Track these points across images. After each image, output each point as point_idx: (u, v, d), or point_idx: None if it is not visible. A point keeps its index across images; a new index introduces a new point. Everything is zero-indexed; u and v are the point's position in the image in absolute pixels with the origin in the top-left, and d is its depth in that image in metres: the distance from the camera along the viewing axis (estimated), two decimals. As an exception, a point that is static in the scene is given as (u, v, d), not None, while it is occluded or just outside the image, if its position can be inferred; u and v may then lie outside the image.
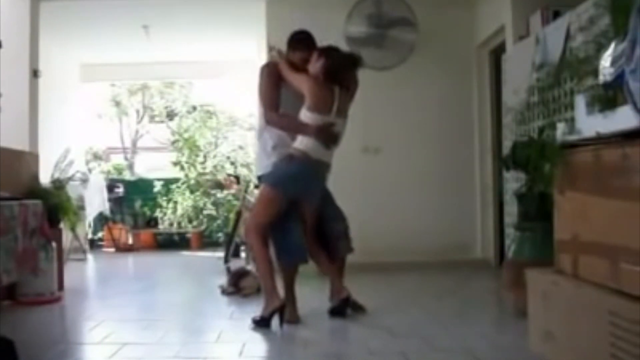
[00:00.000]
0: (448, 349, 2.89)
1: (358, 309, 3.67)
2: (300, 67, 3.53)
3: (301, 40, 3.62)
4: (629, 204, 2.07)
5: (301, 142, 3.45)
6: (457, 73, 6.03)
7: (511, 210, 4.44)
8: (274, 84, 3.59)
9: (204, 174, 9.59)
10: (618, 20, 2.27)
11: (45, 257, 4.00)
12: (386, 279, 5.08)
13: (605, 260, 2.24)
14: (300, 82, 3.48)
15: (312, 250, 3.65)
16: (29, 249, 3.49)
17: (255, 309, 3.53)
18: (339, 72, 3.48)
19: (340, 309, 3.59)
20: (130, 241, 8.75)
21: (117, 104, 14.77)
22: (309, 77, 3.47)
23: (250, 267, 5.30)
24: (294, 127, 3.50)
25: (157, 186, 9.38)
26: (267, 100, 3.59)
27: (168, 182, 9.44)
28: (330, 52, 3.51)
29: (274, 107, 3.57)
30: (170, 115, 14.49)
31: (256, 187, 6.54)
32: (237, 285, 4.46)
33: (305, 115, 3.43)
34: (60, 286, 4.59)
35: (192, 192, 9.32)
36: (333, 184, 3.79)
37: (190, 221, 9.17)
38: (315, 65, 3.47)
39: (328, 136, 3.44)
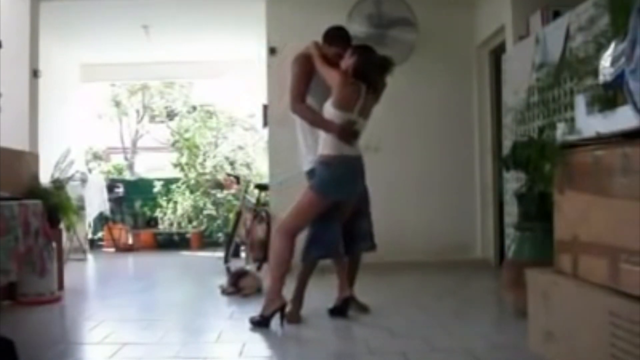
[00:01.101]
0: (448, 349, 2.89)
1: (361, 308, 3.68)
2: (333, 62, 3.53)
3: (337, 36, 3.64)
4: (629, 204, 2.07)
5: (327, 147, 3.43)
6: (457, 73, 6.03)
7: (511, 210, 4.44)
8: (305, 75, 3.60)
9: (203, 174, 9.59)
10: (618, 20, 2.27)
11: (47, 257, 4.00)
12: (386, 279, 5.08)
13: (605, 261, 2.24)
14: (330, 76, 3.48)
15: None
16: (35, 249, 3.50)
17: (255, 309, 3.52)
18: (369, 72, 3.48)
19: (341, 309, 3.59)
20: (130, 241, 8.75)
21: (117, 104, 14.77)
22: (340, 71, 3.47)
23: (250, 267, 5.31)
24: (318, 122, 3.50)
25: (157, 186, 9.38)
26: (295, 90, 3.59)
27: (168, 182, 9.45)
28: (363, 52, 3.52)
29: (301, 97, 3.57)
30: (170, 115, 14.49)
31: (259, 187, 6.55)
32: (237, 285, 4.46)
33: (329, 110, 3.44)
34: (60, 286, 4.59)
35: (192, 192, 9.33)
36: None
37: (190, 221, 9.17)
38: (347, 61, 3.47)
39: (350, 135, 3.44)
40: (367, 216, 3.76)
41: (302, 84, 3.59)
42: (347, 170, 3.48)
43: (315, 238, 3.51)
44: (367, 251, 3.77)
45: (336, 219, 3.54)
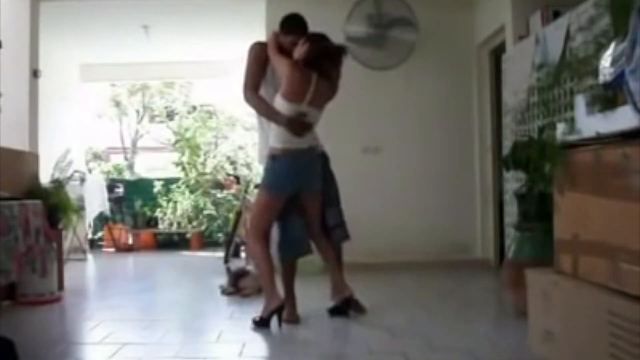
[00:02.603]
0: (448, 349, 2.89)
1: (359, 309, 3.67)
2: (289, 51, 3.48)
3: (292, 24, 3.57)
4: (629, 204, 2.07)
5: (275, 139, 3.41)
6: (457, 73, 6.03)
7: (511, 210, 4.44)
8: (259, 64, 3.56)
9: (204, 174, 9.59)
10: (618, 20, 2.27)
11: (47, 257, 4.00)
12: (386, 279, 5.08)
13: (605, 260, 2.24)
14: (279, 64, 3.44)
15: (321, 245, 3.65)
16: (35, 249, 3.49)
17: (255, 309, 3.53)
18: (320, 61, 3.42)
19: (341, 309, 3.58)
20: (130, 241, 8.75)
21: (117, 104, 14.77)
22: (289, 60, 3.42)
23: (250, 267, 5.31)
24: (267, 113, 3.47)
25: (157, 186, 9.38)
26: (248, 78, 3.56)
27: (168, 182, 9.44)
28: (315, 40, 3.46)
29: (254, 86, 3.54)
30: (170, 115, 14.50)
31: (256, 186, 6.55)
32: (237, 286, 4.46)
33: (278, 101, 3.40)
34: (60, 286, 4.60)
35: (192, 192, 9.32)
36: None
37: (190, 221, 9.16)
38: (300, 50, 3.42)
39: (299, 127, 3.39)
40: (334, 207, 3.73)
41: (255, 73, 3.55)
42: (292, 164, 3.42)
43: (282, 239, 3.54)
44: (341, 242, 3.75)
45: (295, 216, 3.53)
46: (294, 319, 3.48)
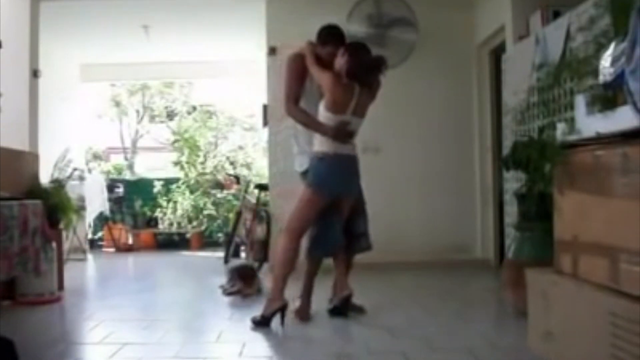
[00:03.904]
0: (448, 349, 2.89)
1: (357, 309, 3.67)
2: (327, 62, 3.50)
3: (330, 35, 3.59)
4: (629, 204, 2.07)
5: (323, 144, 3.44)
6: (457, 73, 6.03)
7: (511, 210, 4.44)
8: (297, 76, 3.58)
9: (204, 173, 9.59)
10: (618, 20, 2.27)
11: (45, 257, 3.99)
12: (386, 279, 5.08)
13: (605, 260, 2.24)
14: (321, 78, 3.46)
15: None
16: (30, 249, 3.49)
17: (256, 309, 3.53)
18: (362, 72, 3.45)
19: (341, 308, 3.58)
20: (130, 241, 8.74)
21: (117, 104, 14.77)
22: (331, 73, 3.44)
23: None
24: (311, 125, 3.50)
25: (157, 186, 9.38)
26: (288, 91, 3.58)
27: (168, 182, 9.44)
28: (356, 51, 3.48)
29: (294, 99, 3.56)
30: (170, 115, 14.50)
31: (261, 187, 6.55)
32: (245, 280, 4.38)
33: (322, 113, 3.43)
34: (60, 286, 4.59)
35: (192, 192, 9.32)
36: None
37: (190, 221, 9.16)
38: (340, 61, 3.44)
39: (344, 135, 3.44)
40: (363, 216, 3.76)
41: (295, 85, 3.57)
42: (341, 166, 3.47)
43: (318, 237, 3.52)
44: (363, 251, 3.76)
45: (336, 218, 3.54)
46: (306, 316, 3.49)
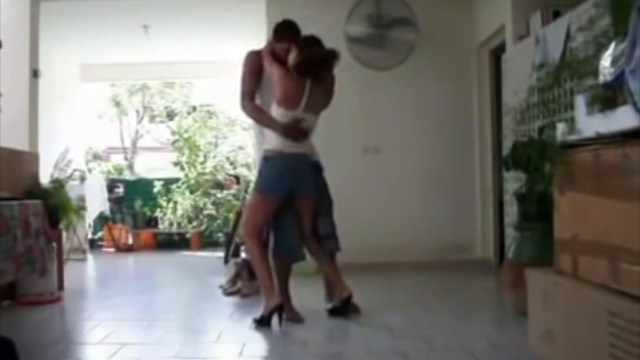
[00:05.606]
0: (448, 349, 2.89)
1: (353, 309, 3.66)
2: (283, 58, 3.47)
3: (283, 30, 3.56)
4: (629, 204, 2.07)
5: (270, 141, 3.43)
6: (457, 73, 6.02)
7: (511, 210, 4.43)
8: (253, 72, 3.57)
9: (204, 174, 9.59)
10: (618, 20, 2.27)
11: (48, 257, 4.00)
12: (386, 279, 5.08)
13: (605, 260, 2.24)
14: (273, 73, 3.44)
15: (311, 248, 3.65)
16: (35, 249, 3.49)
17: (255, 309, 3.53)
18: (312, 66, 3.41)
19: (341, 309, 3.57)
20: (130, 241, 8.75)
21: (117, 104, 14.77)
22: (282, 69, 3.41)
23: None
24: (264, 121, 3.49)
25: (157, 186, 9.38)
26: (243, 87, 3.58)
27: (168, 182, 9.45)
28: (305, 44, 3.44)
29: (249, 95, 3.56)
30: (170, 115, 14.51)
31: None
32: (252, 274, 4.33)
33: (274, 109, 3.41)
34: (60, 286, 4.60)
35: (192, 192, 9.32)
36: (333, 183, 3.79)
37: (190, 221, 9.17)
38: (291, 56, 3.42)
39: (296, 132, 3.40)
40: (327, 217, 3.71)
41: (250, 81, 3.57)
42: (285, 165, 3.43)
43: (276, 239, 3.55)
44: (331, 253, 3.74)
45: (291, 219, 3.53)
46: (297, 317, 3.48)
